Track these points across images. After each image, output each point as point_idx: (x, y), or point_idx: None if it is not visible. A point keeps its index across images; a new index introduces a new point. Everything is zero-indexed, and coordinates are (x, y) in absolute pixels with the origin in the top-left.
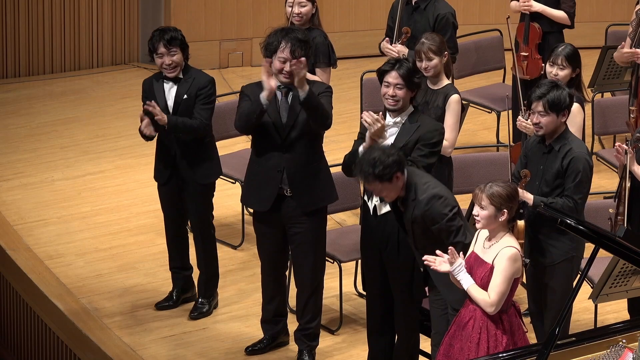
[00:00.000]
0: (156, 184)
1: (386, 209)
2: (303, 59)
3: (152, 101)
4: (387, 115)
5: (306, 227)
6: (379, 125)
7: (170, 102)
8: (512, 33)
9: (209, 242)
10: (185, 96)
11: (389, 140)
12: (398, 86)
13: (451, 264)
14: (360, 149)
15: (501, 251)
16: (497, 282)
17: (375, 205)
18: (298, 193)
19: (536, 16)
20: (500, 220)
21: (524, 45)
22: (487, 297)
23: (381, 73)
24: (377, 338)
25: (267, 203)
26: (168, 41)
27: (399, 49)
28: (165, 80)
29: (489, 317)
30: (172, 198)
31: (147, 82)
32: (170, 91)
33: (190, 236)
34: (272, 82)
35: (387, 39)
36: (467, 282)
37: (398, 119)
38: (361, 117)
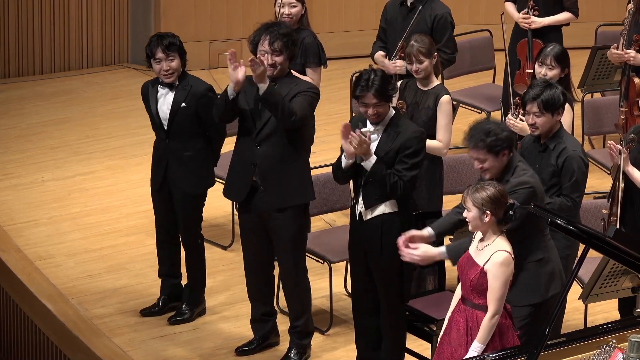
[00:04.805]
0: (146, 185)
1: (371, 215)
2: (263, 67)
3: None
4: (368, 122)
5: (282, 224)
6: (365, 146)
7: (166, 109)
8: (506, 31)
9: (195, 252)
10: (183, 104)
11: (372, 147)
12: (377, 105)
13: None
14: (343, 159)
15: (492, 256)
16: (494, 289)
17: (360, 212)
18: (269, 189)
19: (537, 31)
20: (484, 221)
21: (528, 63)
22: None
23: (356, 97)
24: (363, 333)
25: (242, 194)
26: (167, 47)
27: (399, 64)
28: (160, 86)
29: (477, 320)
30: (164, 205)
31: (145, 86)
32: (166, 98)
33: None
34: (239, 75)
35: (383, 53)
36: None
37: (379, 127)
38: (346, 134)
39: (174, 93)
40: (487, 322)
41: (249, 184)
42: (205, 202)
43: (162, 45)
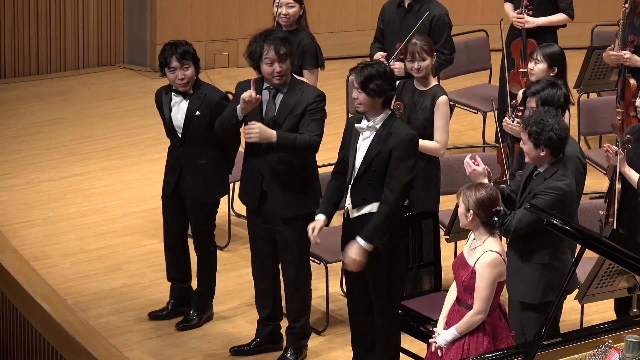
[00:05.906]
0: (142, 185)
1: (357, 213)
2: (255, 126)
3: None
4: (363, 118)
5: (286, 232)
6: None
7: (180, 117)
8: (505, 36)
9: (207, 259)
10: (197, 113)
11: (364, 146)
12: (358, 89)
13: None
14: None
15: (482, 256)
16: (479, 289)
17: (347, 207)
18: (275, 197)
19: (532, 31)
20: (468, 220)
21: (522, 62)
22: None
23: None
24: (359, 333)
25: (254, 202)
26: (181, 55)
27: (397, 66)
28: (174, 93)
29: None
30: (174, 211)
31: (158, 92)
32: (180, 106)
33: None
34: (252, 95)
35: (383, 53)
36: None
37: (371, 123)
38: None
39: (187, 101)
40: (469, 317)
41: (259, 192)
42: (217, 210)
43: (176, 54)
